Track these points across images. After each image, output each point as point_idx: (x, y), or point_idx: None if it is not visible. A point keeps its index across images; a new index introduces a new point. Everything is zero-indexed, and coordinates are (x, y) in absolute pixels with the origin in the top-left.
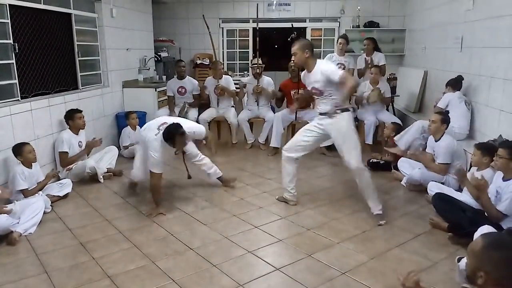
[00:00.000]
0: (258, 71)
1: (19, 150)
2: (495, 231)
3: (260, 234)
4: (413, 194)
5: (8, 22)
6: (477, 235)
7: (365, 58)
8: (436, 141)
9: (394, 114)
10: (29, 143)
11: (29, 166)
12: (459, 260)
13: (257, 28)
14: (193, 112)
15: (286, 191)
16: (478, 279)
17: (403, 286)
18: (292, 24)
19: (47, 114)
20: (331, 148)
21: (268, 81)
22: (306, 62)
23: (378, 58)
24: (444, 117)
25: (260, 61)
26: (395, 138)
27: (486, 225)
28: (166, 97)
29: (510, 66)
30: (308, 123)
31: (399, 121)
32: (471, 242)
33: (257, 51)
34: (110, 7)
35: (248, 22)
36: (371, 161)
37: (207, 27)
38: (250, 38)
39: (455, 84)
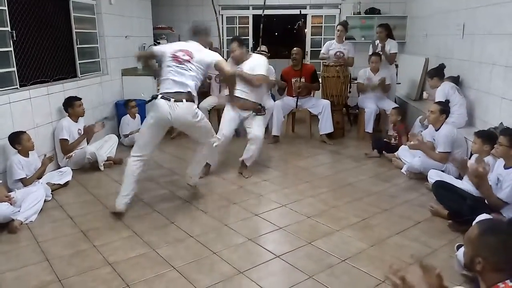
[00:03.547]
0: None
1: (17, 139)
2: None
3: (260, 222)
4: (413, 182)
5: (5, 9)
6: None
7: (376, 43)
8: (436, 130)
9: (395, 102)
10: (26, 132)
11: (26, 155)
12: (458, 247)
13: (263, 15)
14: None
15: None
16: (477, 266)
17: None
18: (300, 11)
19: (46, 102)
20: (332, 136)
21: (270, 70)
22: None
23: (391, 46)
24: (443, 107)
25: (266, 49)
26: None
27: (484, 214)
28: None
29: None
30: (309, 111)
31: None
32: (468, 230)
33: (260, 38)
34: None
35: (248, 9)
36: (384, 140)
37: (215, 12)
38: (250, 25)
39: (440, 73)
